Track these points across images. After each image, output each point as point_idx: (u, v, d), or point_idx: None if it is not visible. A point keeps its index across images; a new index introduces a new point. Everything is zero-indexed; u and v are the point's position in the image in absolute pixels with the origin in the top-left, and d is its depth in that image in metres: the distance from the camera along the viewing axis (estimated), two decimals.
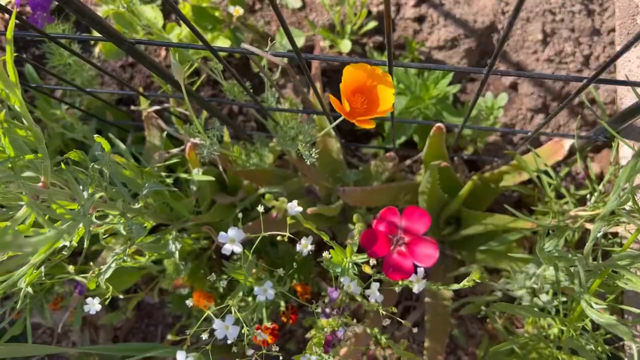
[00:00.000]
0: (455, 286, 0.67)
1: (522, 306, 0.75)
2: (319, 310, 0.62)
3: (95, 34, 0.67)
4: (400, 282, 0.58)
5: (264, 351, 0.71)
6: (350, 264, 0.60)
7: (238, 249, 0.55)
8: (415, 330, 0.71)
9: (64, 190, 0.69)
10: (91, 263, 1.12)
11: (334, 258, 0.63)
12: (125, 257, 0.88)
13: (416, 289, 0.58)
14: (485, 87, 1.30)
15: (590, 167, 1.22)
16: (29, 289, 0.70)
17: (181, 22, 1.21)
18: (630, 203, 0.55)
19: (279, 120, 1.00)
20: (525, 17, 1.25)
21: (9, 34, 0.49)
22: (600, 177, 1.27)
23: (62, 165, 0.60)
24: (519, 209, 1.31)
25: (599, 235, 0.60)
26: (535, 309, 0.75)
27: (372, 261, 0.57)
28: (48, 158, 0.62)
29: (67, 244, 0.60)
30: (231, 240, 0.56)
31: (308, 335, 1.08)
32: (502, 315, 1.23)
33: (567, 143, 0.95)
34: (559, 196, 1.10)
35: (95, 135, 0.65)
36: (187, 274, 1.11)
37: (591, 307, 0.57)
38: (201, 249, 1.18)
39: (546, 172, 0.96)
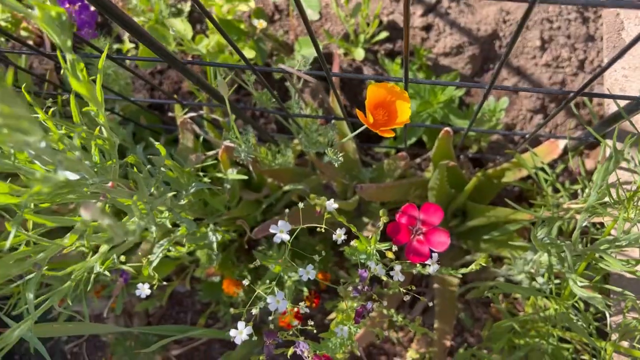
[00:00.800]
0: (463, 270, 0.79)
1: (520, 286, 0.87)
2: (350, 289, 0.73)
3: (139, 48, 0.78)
4: (417, 266, 0.69)
5: (298, 327, 0.82)
6: (375, 251, 0.71)
7: (286, 237, 0.66)
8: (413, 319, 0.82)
9: (125, 190, 0.81)
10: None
11: (360, 246, 0.74)
12: (170, 248, 1.00)
13: (431, 270, 0.69)
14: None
15: (585, 163, 1.33)
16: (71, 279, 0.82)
17: (208, 33, 1.32)
18: (607, 198, 0.66)
19: (301, 123, 1.11)
20: (525, 25, 1.36)
21: (100, 64, 0.61)
22: (593, 172, 1.38)
23: (135, 170, 0.71)
24: (520, 203, 1.42)
25: (584, 224, 0.71)
26: (533, 289, 0.86)
27: (394, 248, 0.68)
28: (118, 162, 0.74)
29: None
30: (280, 231, 0.68)
31: (330, 318, 1.20)
32: (505, 300, 1.34)
33: (562, 143, 1.06)
34: (557, 190, 1.21)
35: (157, 144, 0.77)
36: (218, 263, 1.23)
37: (577, 285, 0.68)
38: (230, 240, 1.30)
39: (543, 169, 1.07)
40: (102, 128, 0.67)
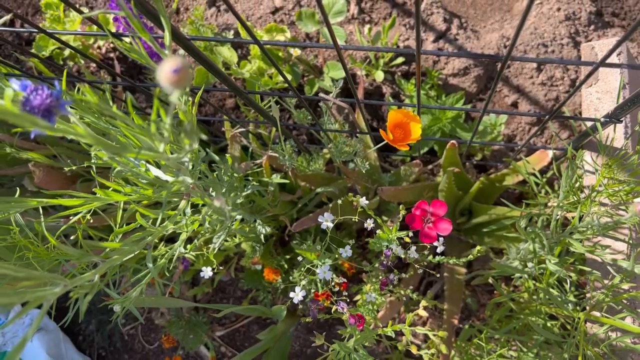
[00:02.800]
0: (465, 259, 1.00)
1: (509, 265, 1.08)
2: (377, 265, 0.95)
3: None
4: (428, 256, 0.90)
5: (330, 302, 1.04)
6: (395, 238, 0.93)
7: (331, 224, 0.89)
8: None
9: (200, 190, 1.03)
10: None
11: (383, 235, 0.96)
12: (227, 239, 1.23)
13: (439, 249, 0.91)
14: (491, 105, 1.62)
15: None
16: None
17: (250, 59, 1.55)
18: (572, 197, 0.87)
19: (330, 136, 1.33)
20: (523, 49, 1.57)
21: (197, 97, 0.84)
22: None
23: (214, 175, 0.94)
24: (519, 203, 1.63)
25: (557, 217, 0.92)
26: (520, 270, 1.07)
27: (410, 234, 0.90)
28: (198, 168, 0.96)
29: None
30: (326, 220, 0.90)
31: (356, 299, 1.42)
32: (506, 287, 1.55)
33: (550, 153, 1.27)
34: (548, 191, 1.41)
35: (227, 155, 0.99)
36: (260, 254, 1.45)
37: (550, 263, 0.89)
38: (270, 235, 1.52)
39: (534, 174, 1.27)
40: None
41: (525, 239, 1.10)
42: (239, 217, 1.24)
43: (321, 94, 1.04)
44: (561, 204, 0.88)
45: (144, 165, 0.81)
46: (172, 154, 0.66)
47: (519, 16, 1.67)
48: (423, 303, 1.03)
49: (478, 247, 0.96)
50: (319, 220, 0.89)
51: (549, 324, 1.15)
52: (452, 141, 1.18)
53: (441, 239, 0.91)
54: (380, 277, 0.95)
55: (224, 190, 0.99)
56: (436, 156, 1.59)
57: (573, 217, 1.12)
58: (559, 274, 0.86)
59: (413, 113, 0.93)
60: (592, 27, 1.62)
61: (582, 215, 0.91)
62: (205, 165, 1.05)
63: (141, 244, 0.83)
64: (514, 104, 1.59)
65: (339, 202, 0.94)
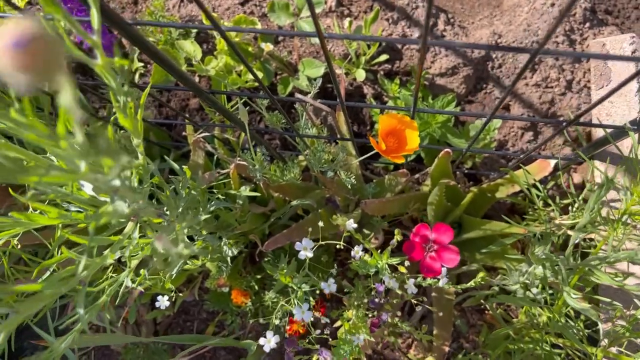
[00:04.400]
0: (464, 286, 0.85)
1: (518, 297, 0.94)
2: (366, 301, 0.80)
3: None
4: (429, 280, 0.76)
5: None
6: (386, 265, 0.78)
7: (310, 254, 0.73)
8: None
9: (152, 209, 0.87)
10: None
11: (371, 261, 0.81)
12: (187, 261, 1.06)
13: (441, 283, 0.76)
14: (480, 107, 1.49)
15: (573, 178, 1.41)
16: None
17: (216, 54, 1.39)
18: (598, 218, 0.74)
19: (307, 142, 1.18)
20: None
21: (143, 98, 0.67)
22: (581, 187, 1.46)
23: (167, 192, 0.77)
24: (511, 215, 1.50)
25: (577, 241, 0.78)
26: (528, 300, 0.93)
27: (406, 262, 0.75)
28: (149, 186, 0.80)
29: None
30: (304, 248, 0.74)
31: (336, 325, 1.26)
32: (499, 307, 1.42)
33: (553, 162, 1.14)
34: (547, 204, 1.28)
35: (185, 167, 0.83)
36: (227, 274, 1.29)
37: (570, 297, 0.75)
38: (238, 252, 1.36)
39: (535, 186, 1.14)
40: (139, 154, 0.73)
41: (532, 262, 0.96)
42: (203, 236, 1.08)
43: (297, 95, 0.88)
44: (584, 227, 0.75)
45: (76, 184, 0.64)
46: (102, 172, 0.50)
47: (510, 12, 1.54)
48: (420, 336, 0.89)
49: (481, 274, 0.82)
50: (296, 248, 0.74)
51: (554, 356, 1.02)
52: (446, 149, 1.04)
53: (444, 270, 0.76)
54: (369, 315, 0.80)
55: (180, 210, 0.83)
56: (422, 163, 1.45)
57: (587, 239, 0.99)
58: (581, 310, 0.72)
59: (409, 119, 0.78)
60: (588, 24, 1.50)
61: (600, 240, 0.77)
62: (158, 178, 0.88)
63: (72, 283, 0.66)
64: (506, 107, 1.46)
65: (321, 224, 0.79)
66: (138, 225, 0.82)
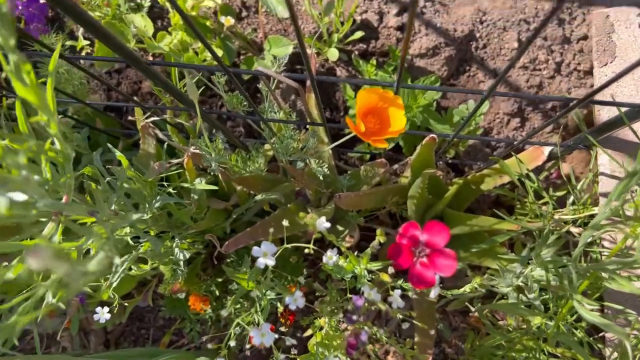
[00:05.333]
0: (456, 292, 0.73)
1: (513, 304, 0.82)
2: (341, 316, 0.66)
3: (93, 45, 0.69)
4: (418, 290, 0.63)
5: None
6: (365, 272, 0.65)
7: (271, 262, 0.58)
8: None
9: (82, 206, 0.71)
10: None
11: (348, 266, 0.67)
12: (132, 266, 0.91)
13: (432, 294, 0.63)
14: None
15: (562, 168, 1.30)
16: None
17: (171, 30, 1.23)
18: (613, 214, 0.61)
19: (273, 128, 1.04)
20: (502, 26, 1.32)
21: (51, 66, 0.52)
22: (569, 177, 1.35)
23: (93, 185, 0.62)
24: (497, 209, 1.38)
25: (589, 239, 0.66)
26: (535, 310, 0.81)
27: (390, 269, 0.62)
28: (73, 176, 0.64)
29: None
30: (264, 254, 0.60)
31: (306, 334, 1.13)
32: (484, 309, 1.30)
33: (547, 150, 1.02)
34: (538, 197, 1.17)
35: (118, 154, 0.68)
36: (184, 278, 1.14)
37: (584, 308, 0.63)
38: (196, 253, 1.21)
39: (528, 176, 1.02)
40: (55, 139, 0.58)
41: (525, 261, 0.84)
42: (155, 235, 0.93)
43: (258, 67, 0.74)
44: (599, 225, 0.62)
45: None
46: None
47: None
48: (403, 351, 0.76)
49: (478, 279, 0.69)
50: (254, 254, 0.60)
51: None
52: (431, 135, 0.91)
53: (437, 278, 0.63)
54: (345, 333, 0.66)
55: (113, 206, 0.68)
56: (401, 153, 1.32)
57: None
58: (600, 325, 0.60)
59: (392, 94, 0.64)
60: (577, 3, 1.39)
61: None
62: (90, 168, 0.73)
63: None
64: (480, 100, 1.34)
65: (285, 223, 0.65)
66: (61, 226, 0.67)
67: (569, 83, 1.33)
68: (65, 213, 0.67)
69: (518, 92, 1.33)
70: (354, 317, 0.63)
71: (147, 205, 0.88)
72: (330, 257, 0.64)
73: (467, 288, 0.70)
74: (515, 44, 1.31)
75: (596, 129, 0.83)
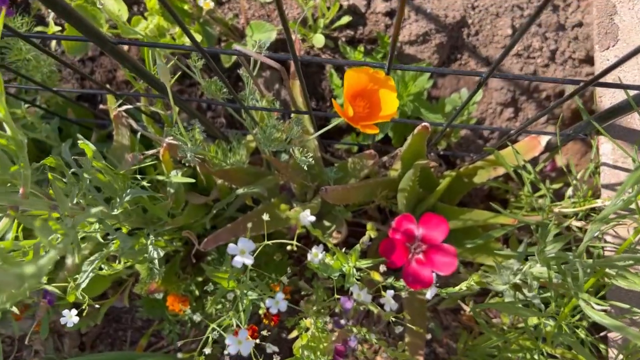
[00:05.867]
0: (451, 290, 0.67)
1: (523, 308, 0.76)
2: (328, 319, 0.61)
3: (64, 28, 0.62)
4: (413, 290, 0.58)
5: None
6: (354, 270, 0.59)
7: (249, 261, 0.52)
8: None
9: (43, 200, 0.65)
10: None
11: (335, 264, 0.61)
12: (102, 265, 0.84)
13: (429, 294, 0.58)
14: (455, 81, 1.31)
15: (560, 158, 1.25)
16: None
17: (147, 15, 1.16)
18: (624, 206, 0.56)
19: (256, 117, 0.97)
20: (495, 12, 1.27)
21: None
22: (563, 170, 1.30)
23: (50, 175, 0.56)
24: (490, 202, 1.33)
25: (596, 234, 0.61)
26: (535, 309, 0.76)
27: (382, 267, 0.56)
28: (29, 167, 0.58)
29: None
30: (241, 252, 0.54)
31: (291, 336, 1.07)
32: (480, 308, 1.25)
33: (544, 139, 0.97)
34: (534, 190, 1.12)
35: (80, 141, 0.61)
36: (161, 277, 1.07)
37: (592, 309, 0.58)
38: (174, 251, 1.14)
39: (525, 168, 0.97)
40: (5, 124, 0.52)
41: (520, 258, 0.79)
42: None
43: (235, 46, 0.67)
44: (607, 218, 0.57)
45: None
46: None
47: None
48: (395, 355, 0.70)
49: (476, 277, 0.64)
50: (230, 252, 0.54)
51: None
52: (423, 124, 0.85)
53: (434, 276, 0.57)
54: (330, 326, 0.60)
55: (75, 200, 0.61)
56: (390, 145, 1.27)
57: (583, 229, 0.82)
58: (613, 328, 0.55)
59: (383, 74, 0.58)
60: None
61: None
62: (53, 159, 0.66)
63: None
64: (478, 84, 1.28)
65: (266, 217, 0.59)
66: (17, 222, 0.60)
67: (563, 71, 1.28)
68: (22, 208, 0.60)
69: (512, 81, 1.28)
70: (342, 322, 0.58)
71: (118, 200, 0.81)
72: (315, 255, 0.58)
73: (463, 286, 0.65)
74: (509, 31, 1.26)
75: (599, 116, 0.78)
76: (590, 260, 0.65)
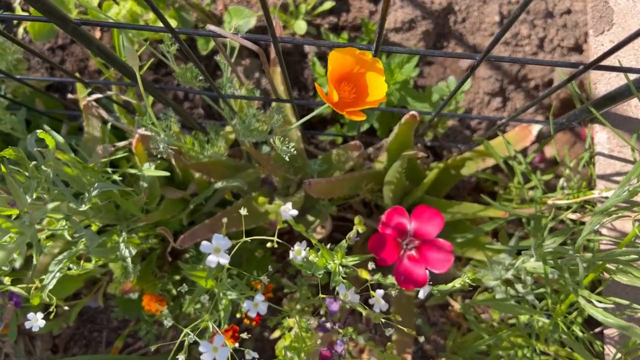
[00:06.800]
0: (443, 287, 0.63)
1: (517, 305, 0.73)
2: (312, 322, 0.56)
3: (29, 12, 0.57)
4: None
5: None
6: (340, 267, 0.54)
7: (224, 260, 0.47)
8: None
9: (1, 195, 0.59)
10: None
11: (320, 262, 0.57)
12: (70, 265, 0.79)
13: (421, 293, 0.53)
14: (442, 69, 1.27)
15: (554, 148, 1.21)
16: None
17: (119, 0, 1.10)
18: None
19: (234, 107, 0.92)
20: None
21: None
22: (552, 162, 1.27)
23: (2, 168, 0.50)
24: (477, 195, 1.30)
25: (597, 227, 0.57)
26: (529, 306, 0.72)
27: (371, 265, 0.52)
28: None
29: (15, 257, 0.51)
30: (216, 250, 0.49)
31: (274, 336, 1.03)
32: (463, 300, 1.22)
33: (535, 128, 0.93)
34: (524, 181, 1.08)
35: (39, 131, 0.56)
36: (136, 276, 1.02)
37: (594, 307, 0.54)
38: (150, 248, 1.09)
39: (516, 158, 0.94)
40: None
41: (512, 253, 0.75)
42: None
43: (210, 27, 0.62)
44: (610, 210, 0.53)
45: None
46: None
47: None
48: (383, 357, 0.66)
49: (470, 273, 0.59)
50: (203, 250, 0.49)
51: None
52: (411, 113, 0.81)
53: (427, 273, 0.53)
54: (317, 341, 0.56)
55: (35, 196, 0.56)
56: (375, 136, 1.22)
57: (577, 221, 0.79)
58: (617, 327, 0.51)
59: (370, 56, 0.53)
60: None
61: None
62: (13, 151, 0.61)
63: None
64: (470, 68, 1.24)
65: (243, 212, 0.54)
66: None
67: (552, 59, 1.24)
68: None
69: (500, 69, 1.24)
70: (328, 325, 0.53)
71: (86, 194, 0.75)
72: (298, 253, 0.54)
73: (456, 283, 0.61)
74: (497, 18, 1.22)
75: (595, 102, 0.74)
76: (589, 255, 0.61)
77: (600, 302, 0.55)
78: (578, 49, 1.24)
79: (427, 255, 0.54)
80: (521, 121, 0.91)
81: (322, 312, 0.56)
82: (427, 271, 0.54)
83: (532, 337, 0.82)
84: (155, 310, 1.04)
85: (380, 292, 0.54)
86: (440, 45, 1.26)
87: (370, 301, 0.55)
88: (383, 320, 0.54)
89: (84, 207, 0.73)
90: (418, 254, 0.54)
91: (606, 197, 0.72)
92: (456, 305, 1.15)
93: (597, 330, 0.82)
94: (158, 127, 0.70)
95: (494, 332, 0.96)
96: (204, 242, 0.48)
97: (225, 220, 0.51)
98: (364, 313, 0.54)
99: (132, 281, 1.01)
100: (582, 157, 0.83)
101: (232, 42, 1.10)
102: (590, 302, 0.59)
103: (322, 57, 1.22)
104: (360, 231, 0.49)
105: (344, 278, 0.56)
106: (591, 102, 0.75)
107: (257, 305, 0.54)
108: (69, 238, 0.75)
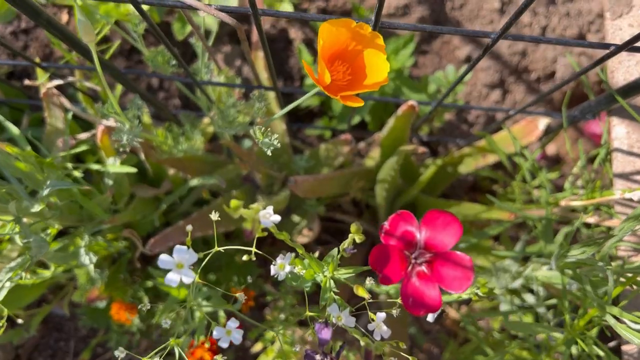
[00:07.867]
0: (448, 297, 0.55)
1: (538, 324, 0.64)
2: (297, 348, 0.47)
3: None
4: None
5: None
6: (331, 281, 0.46)
7: (188, 279, 0.38)
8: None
9: None
10: None
11: (307, 274, 0.48)
12: (22, 274, 0.69)
13: (430, 317, 0.45)
14: (437, 59, 1.19)
15: (567, 143, 1.14)
16: None
17: None
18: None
19: (212, 96, 0.83)
20: None
21: None
22: (556, 159, 1.20)
23: None
24: (474, 194, 1.22)
25: (628, 233, 0.49)
26: (546, 325, 0.64)
27: (369, 280, 0.43)
28: None
29: None
30: (178, 265, 0.40)
31: (255, 350, 0.94)
32: (458, 309, 1.14)
33: (542, 122, 0.85)
34: (523, 180, 1.01)
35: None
36: (104, 283, 0.92)
37: (629, 330, 0.46)
38: (119, 252, 0.99)
39: (517, 154, 0.86)
40: None
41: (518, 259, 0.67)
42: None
43: None
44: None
45: None
46: None
47: None
48: None
49: (482, 281, 0.51)
50: (161, 266, 0.40)
51: None
52: (409, 103, 0.73)
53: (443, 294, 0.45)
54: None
55: None
56: (365, 131, 1.14)
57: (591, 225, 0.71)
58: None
59: (369, 30, 0.45)
60: None
61: None
62: None
63: None
64: (468, 59, 1.17)
65: (215, 217, 0.45)
66: None
67: (554, 50, 1.17)
68: None
69: (499, 60, 1.16)
70: (318, 358, 0.44)
71: (40, 192, 0.66)
72: (281, 267, 0.45)
73: (464, 295, 0.52)
74: (497, 4, 1.14)
75: (617, 91, 0.66)
76: (616, 265, 0.53)
77: (633, 321, 0.47)
78: (582, 38, 1.16)
79: (441, 272, 0.45)
80: (531, 113, 0.83)
81: (308, 334, 0.47)
82: (440, 292, 0.45)
83: (541, 350, 0.75)
84: (125, 320, 0.94)
85: (381, 315, 0.45)
86: (436, 33, 1.17)
87: (370, 327, 0.46)
88: (386, 350, 0.45)
89: (36, 208, 0.63)
90: (430, 271, 0.45)
91: (629, 199, 0.65)
92: (452, 313, 1.07)
93: (611, 344, 0.75)
94: (122, 116, 0.60)
95: (495, 343, 0.88)
96: (162, 257, 0.39)
97: (190, 227, 0.42)
98: (362, 343, 0.45)
99: (99, 288, 0.92)
100: (597, 153, 0.75)
101: (209, 25, 1.01)
102: (618, 319, 0.51)
103: (310, 44, 1.13)
104: (358, 241, 0.41)
105: (335, 293, 0.47)
106: (607, 93, 0.67)
107: (229, 333, 0.45)
108: (19, 243, 0.66)
